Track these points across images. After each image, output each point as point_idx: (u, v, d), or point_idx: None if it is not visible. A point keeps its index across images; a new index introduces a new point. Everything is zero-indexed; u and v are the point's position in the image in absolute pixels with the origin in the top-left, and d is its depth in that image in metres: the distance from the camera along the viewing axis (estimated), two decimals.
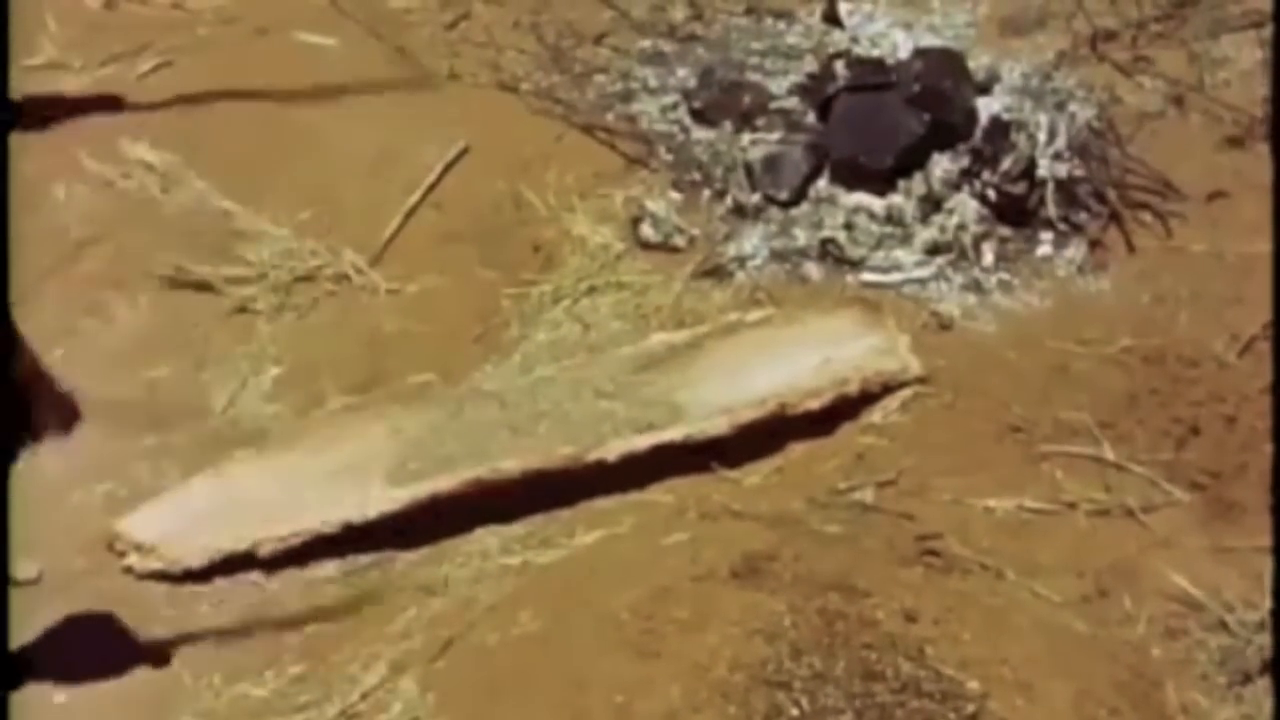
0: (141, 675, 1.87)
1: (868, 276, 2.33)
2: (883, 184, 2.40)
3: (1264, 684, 1.78)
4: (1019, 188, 2.37)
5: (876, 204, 2.39)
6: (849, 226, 2.38)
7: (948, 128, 2.41)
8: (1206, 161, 2.45)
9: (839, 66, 2.50)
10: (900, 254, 2.35)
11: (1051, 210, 2.38)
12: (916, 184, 2.40)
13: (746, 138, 2.46)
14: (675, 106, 2.56)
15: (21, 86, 2.41)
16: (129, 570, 1.95)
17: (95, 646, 1.90)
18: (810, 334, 2.18)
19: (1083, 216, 2.38)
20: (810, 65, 2.59)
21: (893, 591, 1.86)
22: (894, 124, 2.41)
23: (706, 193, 2.43)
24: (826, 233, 2.37)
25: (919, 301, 2.29)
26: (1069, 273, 2.33)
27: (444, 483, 1.97)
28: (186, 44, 2.57)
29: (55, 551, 1.98)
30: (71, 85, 2.48)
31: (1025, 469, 2.04)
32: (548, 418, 2.05)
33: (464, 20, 2.67)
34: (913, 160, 2.40)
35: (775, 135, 2.45)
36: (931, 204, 2.38)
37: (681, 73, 2.62)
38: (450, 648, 1.86)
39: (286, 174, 2.45)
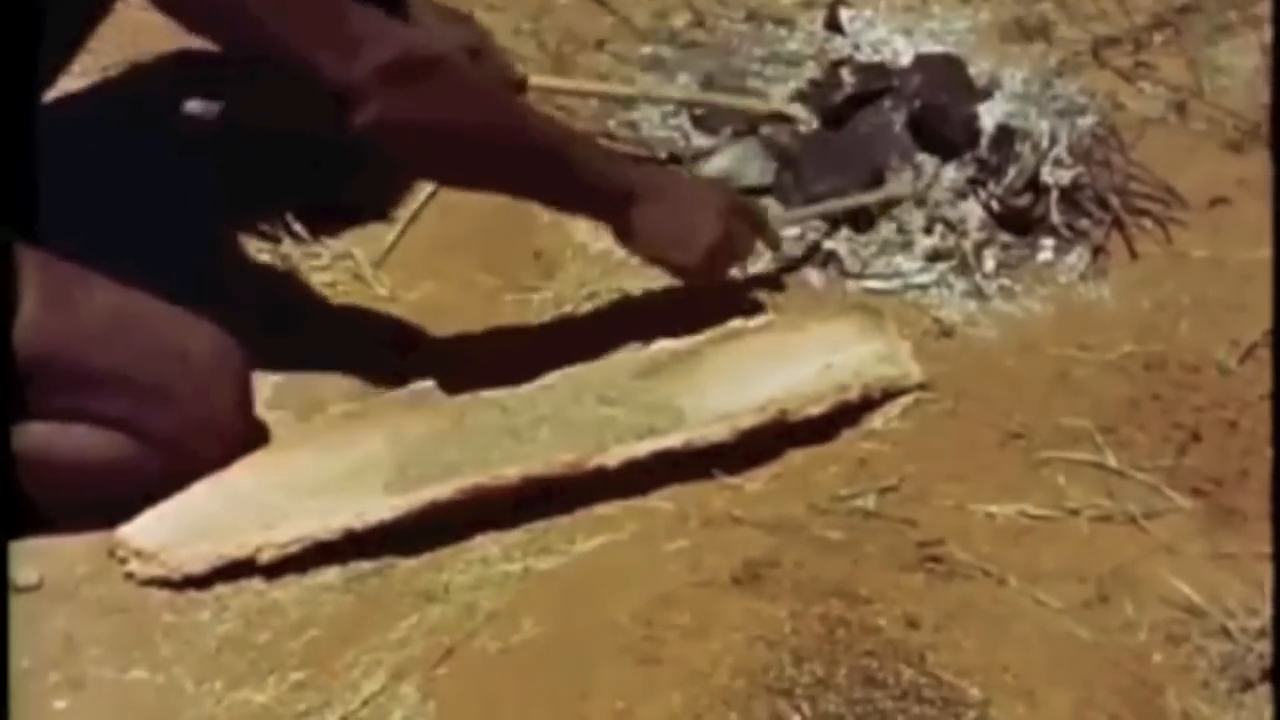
0: (142, 681, 1.86)
1: (869, 283, 2.33)
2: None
3: (1265, 691, 1.77)
4: (1023, 200, 2.37)
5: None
6: (848, 235, 2.38)
7: (946, 142, 2.41)
8: (1208, 167, 2.45)
9: (843, 73, 2.50)
10: (902, 261, 2.35)
11: (1054, 217, 2.38)
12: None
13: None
14: (676, 113, 2.56)
15: None
16: (130, 577, 1.95)
17: None
18: (811, 340, 2.18)
19: (1085, 223, 2.38)
20: (811, 71, 2.59)
21: (894, 598, 1.85)
22: (868, 159, 2.41)
23: None
24: (827, 241, 2.37)
25: (920, 308, 2.29)
26: (1070, 279, 2.32)
27: (445, 489, 1.96)
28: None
29: (56, 558, 1.98)
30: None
31: (1027, 475, 2.03)
32: (549, 424, 2.04)
33: None
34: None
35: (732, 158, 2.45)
36: (935, 215, 2.38)
37: (682, 79, 2.63)
38: (451, 655, 1.85)
39: None
